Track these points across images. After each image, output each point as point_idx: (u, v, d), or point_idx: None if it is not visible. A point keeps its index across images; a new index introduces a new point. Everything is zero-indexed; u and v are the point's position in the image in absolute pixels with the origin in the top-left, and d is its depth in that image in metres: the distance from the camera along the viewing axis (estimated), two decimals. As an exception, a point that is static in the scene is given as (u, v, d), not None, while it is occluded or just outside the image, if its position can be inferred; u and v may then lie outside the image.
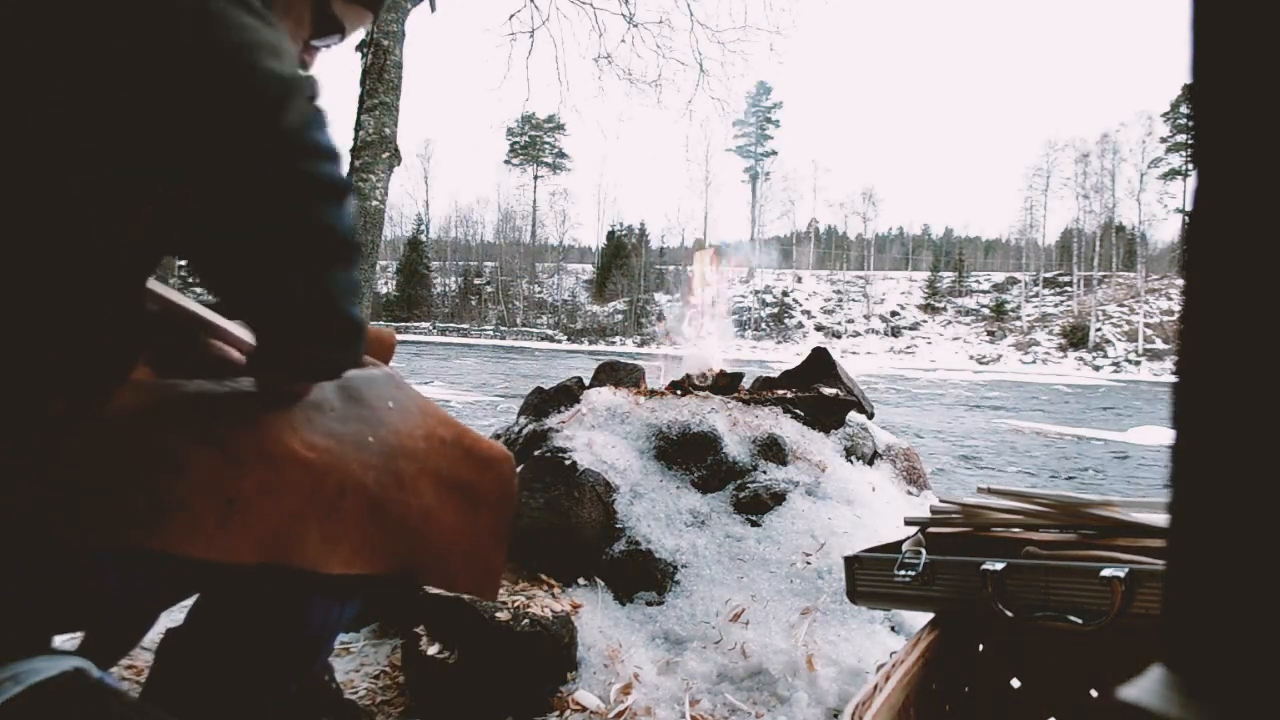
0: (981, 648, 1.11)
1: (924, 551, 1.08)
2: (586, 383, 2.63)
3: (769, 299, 50.09)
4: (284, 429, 0.67)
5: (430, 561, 0.74)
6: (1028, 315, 45.25)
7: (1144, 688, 0.23)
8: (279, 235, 0.57)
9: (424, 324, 49.09)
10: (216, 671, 0.73)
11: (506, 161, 58.33)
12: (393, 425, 0.75)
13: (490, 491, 0.80)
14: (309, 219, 0.58)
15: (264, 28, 0.56)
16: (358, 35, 0.88)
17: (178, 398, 0.64)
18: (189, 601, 0.77)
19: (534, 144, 57.24)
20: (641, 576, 1.68)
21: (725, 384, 2.64)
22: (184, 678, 0.74)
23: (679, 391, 2.48)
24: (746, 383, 2.75)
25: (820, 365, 2.61)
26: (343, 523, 0.68)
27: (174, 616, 0.80)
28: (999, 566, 0.96)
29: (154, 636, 0.84)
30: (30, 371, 0.57)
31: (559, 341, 46.60)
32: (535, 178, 58.18)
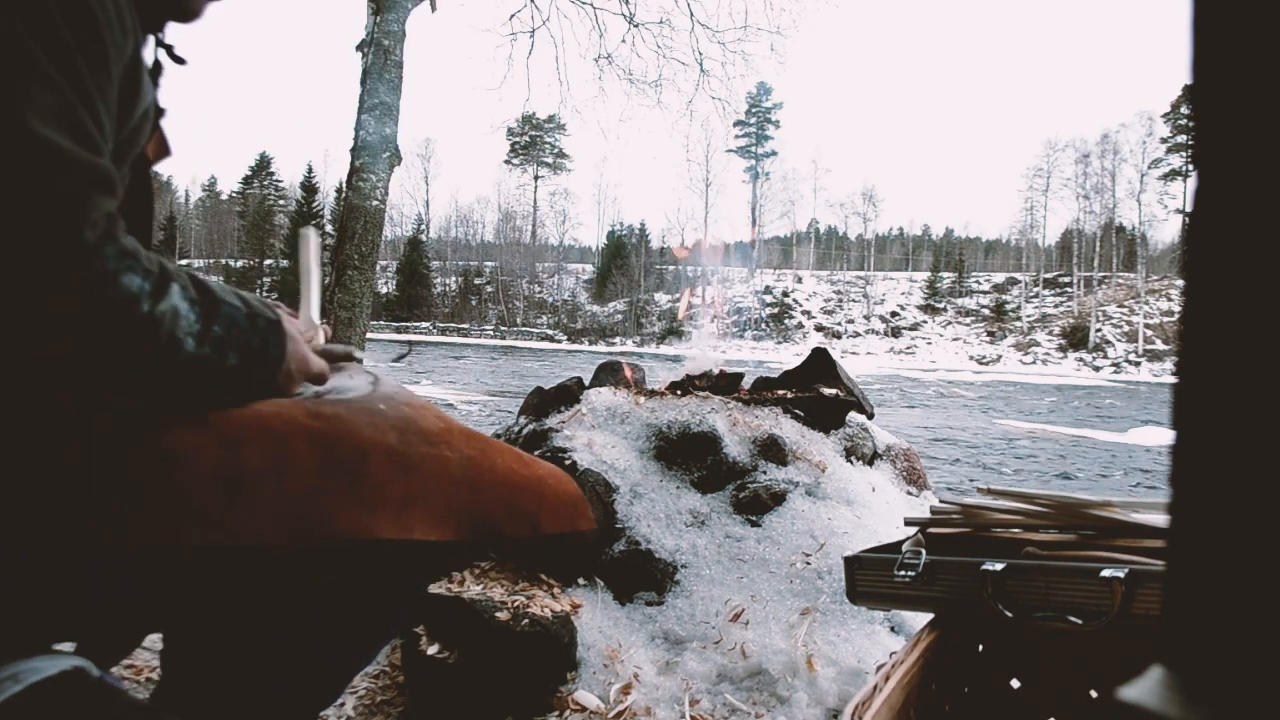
0: (981, 648, 1.11)
1: (924, 552, 1.08)
2: (586, 383, 2.63)
3: (769, 299, 50.10)
4: (283, 403, 0.65)
5: (498, 509, 0.69)
6: (1028, 316, 45.24)
7: (1144, 688, 0.23)
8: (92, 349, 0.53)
9: (424, 324, 49.09)
10: (219, 686, 0.72)
11: (507, 161, 58.35)
12: (403, 398, 0.73)
13: (528, 454, 0.76)
14: (129, 331, 0.54)
15: (52, 79, 0.50)
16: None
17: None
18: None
19: (534, 144, 57.24)
20: (641, 576, 1.68)
21: (725, 384, 2.64)
22: (187, 689, 0.73)
23: (679, 391, 2.48)
24: (746, 383, 2.75)
25: (820, 365, 2.61)
26: (375, 486, 0.64)
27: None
28: (999, 567, 0.96)
29: (155, 636, 0.84)
30: (21, 374, 0.56)
31: (559, 341, 46.60)
32: (535, 178, 58.17)
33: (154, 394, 0.59)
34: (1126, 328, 40.81)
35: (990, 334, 44.89)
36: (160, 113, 0.74)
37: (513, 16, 6.22)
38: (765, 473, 1.98)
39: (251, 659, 0.70)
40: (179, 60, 0.75)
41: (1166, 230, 48.14)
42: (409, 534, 0.64)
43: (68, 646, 0.68)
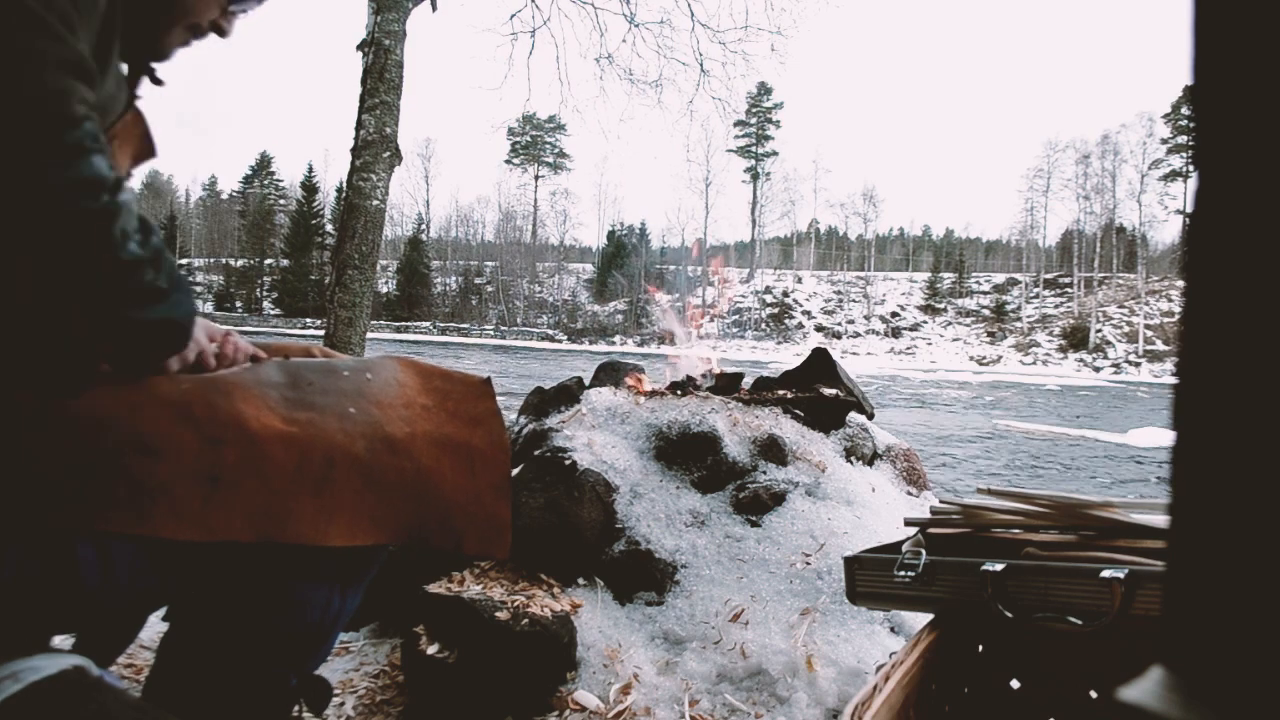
0: (981, 648, 1.11)
1: (924, 552, 1.08)
2: (586, 383, 2.63)
3: (769, 299, 50.10)
4: (261, 406, 0.67)
5: (433, 524, 0.73)
6: (1028, 316, 45.24)
7: (1144, 688, 0.23)
8: (61, 276, 0.55)
9: (424, 323, 49.10)
10: (216, 667, 0.72)
11: (507, 161, 58.34)
12: (373, 396, 0.75)
13: (483, 447, 0.79)
14: (89, 263, 0.55)
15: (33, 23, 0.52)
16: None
17: (147, 385, 0.64)
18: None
19: (535, 144, 57.24)
20: (641, 576, 1.67)
21: (725, 384, 2.64)
22: (184, 675, 0.73)
23: (679, 391, 2.48)
24: (746, 383, 2.75)
25: (820, 366, 2.61)
26: (337, 494, 0.67)
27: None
28: (999, 567, 0.96)
29: (155, 635, 0.84)
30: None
31: (559, 341, 46.60)
32: (536, 177, 58.17)
33: (92, 311, 0.57)
34: (1126, 328, 40.81)
35: (990, 334, 44.88)
36: (134, 99, 0.75)
37: (513, 16, 6.22)
38: (765, 473, 1.98)
39: (252, 643, 0.72)
40: (157, 82, 0.78)
41: (1166, 231, 48.19)
42: (353, 541, 0.68)
43: (67, 641, 0.69)
